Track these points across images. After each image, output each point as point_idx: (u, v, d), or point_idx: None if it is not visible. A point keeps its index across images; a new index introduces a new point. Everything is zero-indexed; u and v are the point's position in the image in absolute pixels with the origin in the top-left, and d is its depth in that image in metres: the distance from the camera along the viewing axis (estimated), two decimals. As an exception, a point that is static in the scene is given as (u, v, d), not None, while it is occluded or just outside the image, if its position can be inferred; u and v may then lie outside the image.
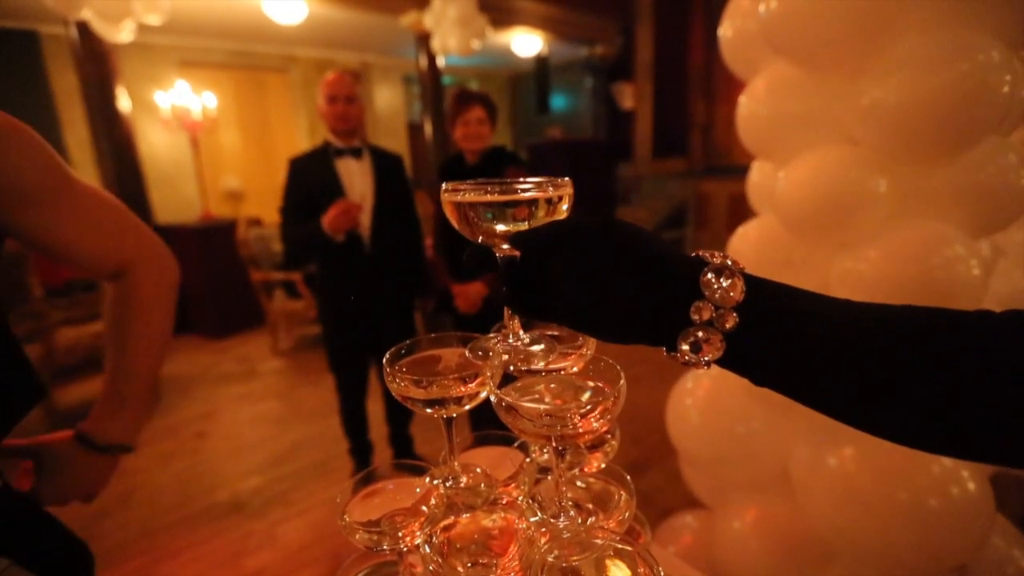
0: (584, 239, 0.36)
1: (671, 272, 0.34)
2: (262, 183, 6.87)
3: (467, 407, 0.48)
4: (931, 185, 0.85)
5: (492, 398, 0.41)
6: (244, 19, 5.48)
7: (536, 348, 0.45)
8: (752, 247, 1.09)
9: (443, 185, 0.43)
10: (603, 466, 0.55)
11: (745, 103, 0.96)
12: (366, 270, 2.06)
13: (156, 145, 6.07)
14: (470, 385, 0.47)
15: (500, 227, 0.41)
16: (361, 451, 2.41)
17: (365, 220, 2.05)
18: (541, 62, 7.23)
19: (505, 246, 0.42)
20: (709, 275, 0.33)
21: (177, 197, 6.23)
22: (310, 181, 2.04)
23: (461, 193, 0.41)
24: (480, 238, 0.43)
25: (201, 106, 5.52)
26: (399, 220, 2.16)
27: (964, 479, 0.83)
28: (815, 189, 0.89)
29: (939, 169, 0.83)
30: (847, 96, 0.81)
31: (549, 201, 0.40)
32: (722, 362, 0.34)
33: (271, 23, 5.17)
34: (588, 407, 0.38)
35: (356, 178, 2.06)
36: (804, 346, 0.32)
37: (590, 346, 0.47)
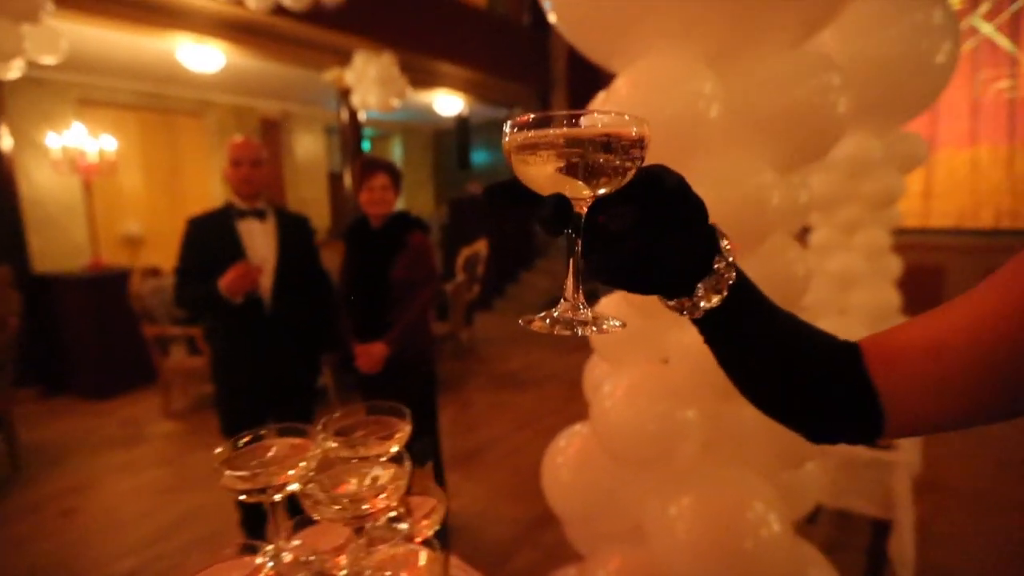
0: (684, 186, 0.40)
1: (709, 230, 0.42)
2: (167, 228, 6.49)
3: (288, 491, 0.53)
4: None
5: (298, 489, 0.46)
6: (155, 62, 5.33)
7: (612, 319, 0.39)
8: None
9: (510, 129, 0.36)
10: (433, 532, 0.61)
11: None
12: (265, 332, 2.03)
13: (42, 187, 5.60)
14: (290, 474, 0.52)
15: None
16: (252, 521, 2.28)
17: (266, 282, 2.03)
18: (462, 121, 7.56)
19: (588, 193, 0.36)
20: (724, 241, 0.42)
21: (65, 242, 5.73)
22: (209, 243, 2.01)
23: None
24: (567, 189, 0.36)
25: (98, 148, 5.22)
26: (304, 281, 2.16)
27: (771, 521, 0.97)
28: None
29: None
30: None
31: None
32: (705, 314, 0.43)
33: (185, 67, 5.08)
34: (379, 490, 0.45)
35: (258, 240, 2.06)
36: (755, 311, 0.44)
37: (404, 431, 0.54)
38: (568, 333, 0.38)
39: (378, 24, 5.83)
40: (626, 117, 0.35)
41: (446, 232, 7.47)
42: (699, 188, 0.98)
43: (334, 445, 0.52)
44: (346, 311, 2.25)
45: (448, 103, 7.40)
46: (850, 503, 1.57)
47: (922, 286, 4.97)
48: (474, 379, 4.67)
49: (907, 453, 1.54)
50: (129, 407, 4.25)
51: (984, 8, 5.63)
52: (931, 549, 2.36)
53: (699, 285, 0.41)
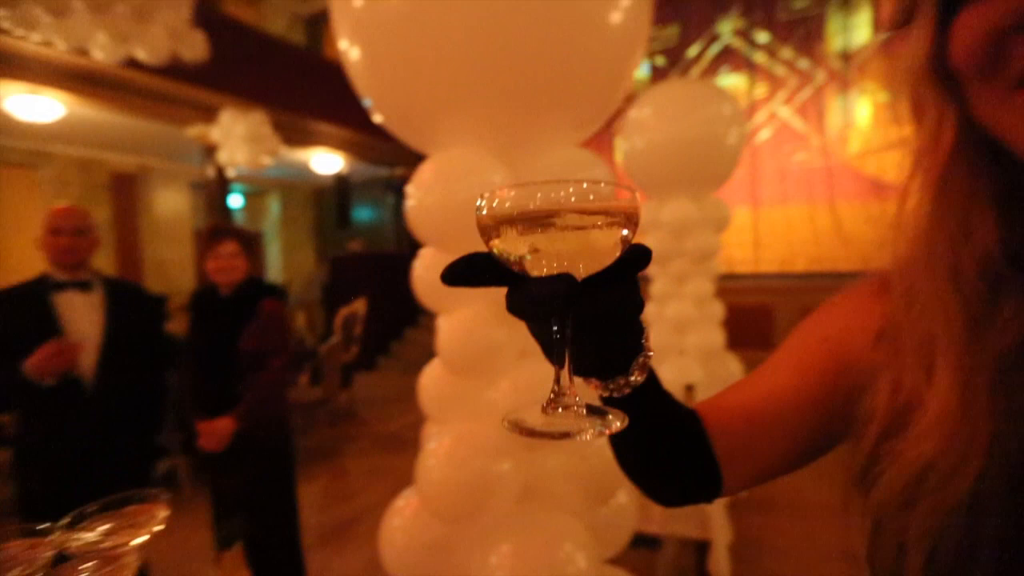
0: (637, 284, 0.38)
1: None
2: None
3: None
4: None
5: None
6: (-27, 111, 4.73)
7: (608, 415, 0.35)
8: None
9: (489, 201, 0.33)
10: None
11: (418, 260, 1.25)
12: (85, 418, 1.82)
13: None
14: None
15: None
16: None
17: (88, 360, 1.85)
18: (342, 180, 7.53)
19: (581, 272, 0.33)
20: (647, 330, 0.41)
21: None
22: (17, 319, 1.80)
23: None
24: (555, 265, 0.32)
25: None
26: (139, 357, 1.99)
27: (578, 559, 1.08)
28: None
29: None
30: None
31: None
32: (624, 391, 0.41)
33: (14, 117, 4.55)
34: None
35: (80, 314, 1.88)
36: (657, 387, 0.44)
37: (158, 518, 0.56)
38: (568, 438, 0.32)
39: (247, 82, 5.73)
40: (614, 189, 0.32)
41: (327, 292, 7.24)
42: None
43: (72, 541, 0.52)
44: (191, 386, 2.10)
45: (327, 161, 7.35)
46: (676, 528, 1.75)
47: (755, 322, 5.77)
48: (352, 444, 4.47)
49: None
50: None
51: (782, 96, 6.95)
52: (768, 561, 2.66)
53: (633, 362, 0.40)
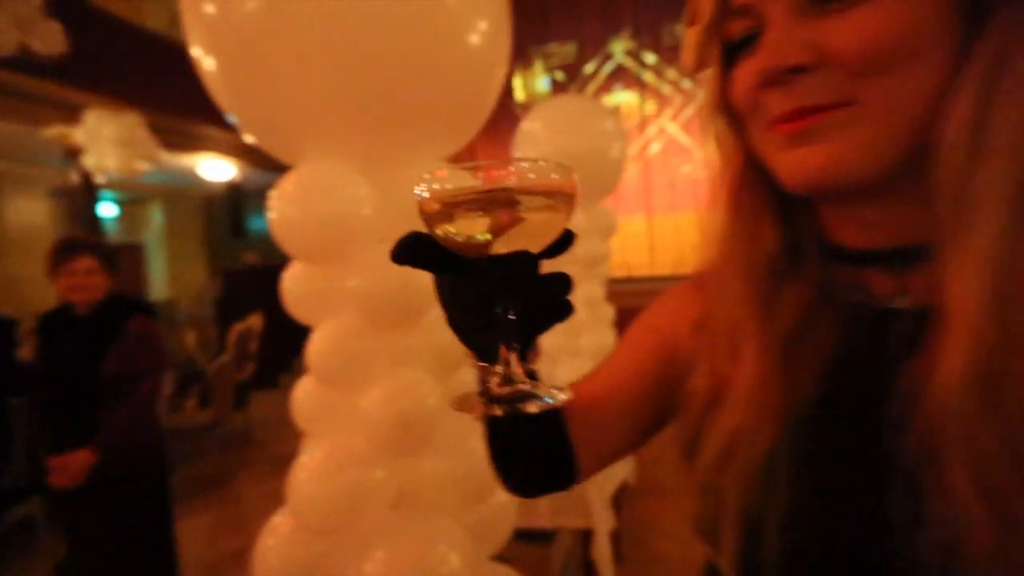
0: None
1: None
2: None
3: None
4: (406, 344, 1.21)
5: None
6: None
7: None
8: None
9: (428, 187, 0.32)
10: None
11: (287, 272, 1.23)
12: None
13: None
14: None
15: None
16: None
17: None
18: (234, 188, 7.07)
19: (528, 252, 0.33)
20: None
21: None
22: None
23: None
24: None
25: None
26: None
27: (451, 559, 1.12)
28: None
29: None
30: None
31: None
32: None
33: None
34: None
35: None
36: None
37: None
38: (512, 411, 0.33)
39: (119, 80, 5.24)
40: (554, 167, 0.32)
41: (219, 306, 6.74)
42: (362, 273, 1.12)
43: None
44: (40, 417, 1.88)
45: (217, 168, 6.87)
46: (563, 521, 1.85)
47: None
48: (247, 469, 4.19)
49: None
50: None
51: (669, 113, 7.54)
52: (658, 542, 2.85)
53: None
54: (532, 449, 0.50)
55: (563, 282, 0.38)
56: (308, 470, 1.13)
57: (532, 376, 0.38)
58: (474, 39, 1.16)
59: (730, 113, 0.41)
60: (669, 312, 0.55)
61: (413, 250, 0.35)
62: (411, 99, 1.12)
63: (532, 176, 0.31)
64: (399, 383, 1.15)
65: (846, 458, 0.37)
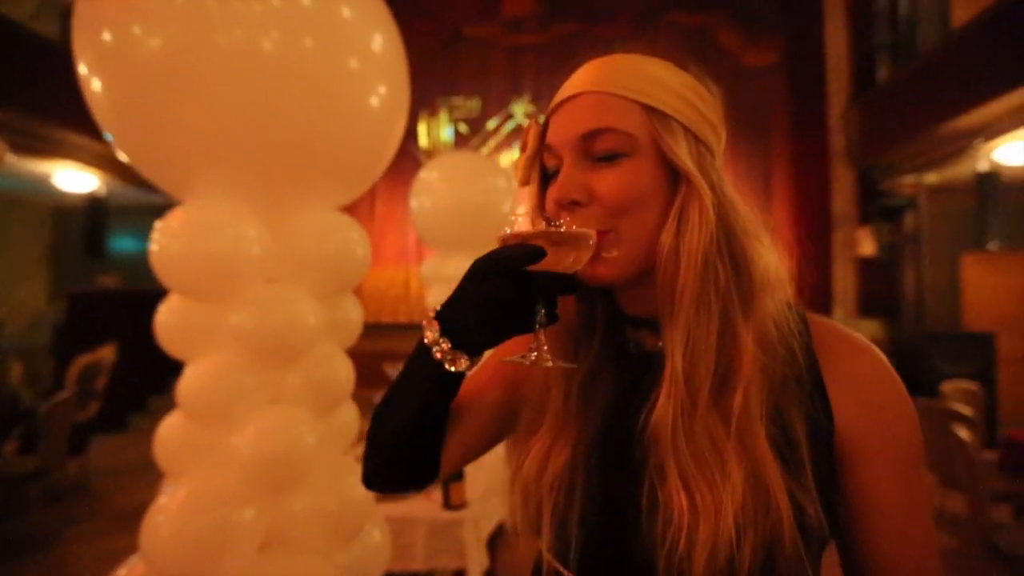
0: None
1: None
2: None
3: None
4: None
5: None
6: None
7: None
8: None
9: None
10: None
11: (163, 306, 1.22)
12: None
13: None
14: None
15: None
16: None
17: None
18: (95, 201, 6.34)
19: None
20: None
21: None
22: None
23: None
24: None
25: None
26: None
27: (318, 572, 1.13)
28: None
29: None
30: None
31: None
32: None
33: None
34: None
35: None
36: None
37: None
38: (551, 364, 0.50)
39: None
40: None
41: (60, 334, 5.87)
42: (247, 311, 1.15)
43: None
44: None
45: (75, 178, 6.13)
46: (438, 562, 1.88)
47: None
48: (80, 526, 3.62)
49: (475, 509, 1.97)
50: None
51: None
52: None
53: None
54: (427, 435, 0.56)
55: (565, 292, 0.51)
56: (166, 512, 1.09)
57: None
58: (374, 101, 1.28)
59: (547, 219, 0.57)
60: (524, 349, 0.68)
61: (530, 253, 0.46)
62: (309, 151, 1.20)
63: (575, 227, 0.49)
64: (276, 420, 1.17)
65: (617, 466, 0.52)
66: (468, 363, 0.50)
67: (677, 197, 0.49)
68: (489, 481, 2.32)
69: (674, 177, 0.50)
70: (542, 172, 0.56)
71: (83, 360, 4.43)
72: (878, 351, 0.51)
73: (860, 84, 6.27)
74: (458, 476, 1.96)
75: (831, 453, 0.48)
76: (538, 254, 0.45)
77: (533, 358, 0.50)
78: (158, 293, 1.21)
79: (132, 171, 1.26)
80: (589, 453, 0.53)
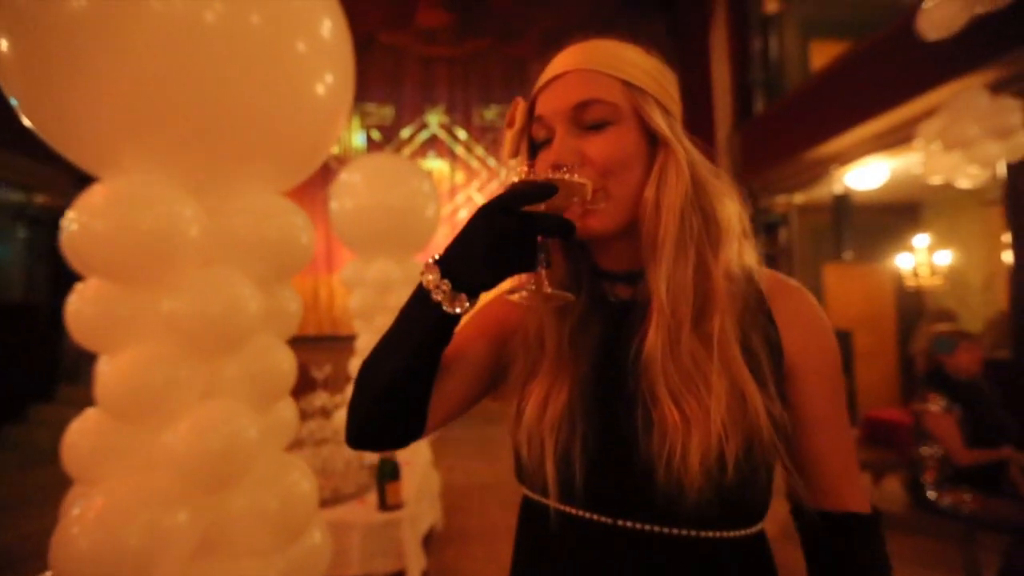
0: None
1: None
2: None
3: None
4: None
5: None
6: None
7: None
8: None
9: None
10: None
11: (76, 293, 1.10)
12: None
13: None
14: None
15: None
16: None
17: None
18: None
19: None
20: None
21: None
22: None
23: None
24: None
25: None
26: None
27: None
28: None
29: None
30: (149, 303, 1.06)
31: None
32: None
33: None
34: None
35: None
36: None
37: None
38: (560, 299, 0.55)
39: None
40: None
41: None
42: (183, 297, 1.07)
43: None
44: None
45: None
46: (375, 565, 1.82)
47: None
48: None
49: (410, 510, 1.94)
50: None
51: (476, 184, 8.29)
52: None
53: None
54: (421, 386, 0.58)
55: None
56: (82, 524, 0.97)
57: None
58: (319, 89, 1.26)
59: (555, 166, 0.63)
60: (510, 309, 0.71)
61: (543, 188, 0.51)
62: (248, 130, 1.15)
63: (576, 177, 0.53)
64: (212, 415, 1.09)
65: (612, 398, 0.58)
66: (468, 304, 0.52)
67: (657, 159, 0.58)
68: (421, 482, 2.29)
69: (653, 142, 0.59)
70: (530, 145, 0.62)
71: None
72: (809, 293, 0.62)
73: (740, 114, 7.08)
74: (395, 475, 1.92)
75: (781, 371, 0.57)
76: (549, 190, 0.50)
77: (534, 289, 0.54)
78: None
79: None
80: (585, 390, 0.59)
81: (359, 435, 0.60)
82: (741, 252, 0.60)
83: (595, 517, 0.56)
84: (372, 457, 2.21)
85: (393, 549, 1.86)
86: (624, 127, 0.57)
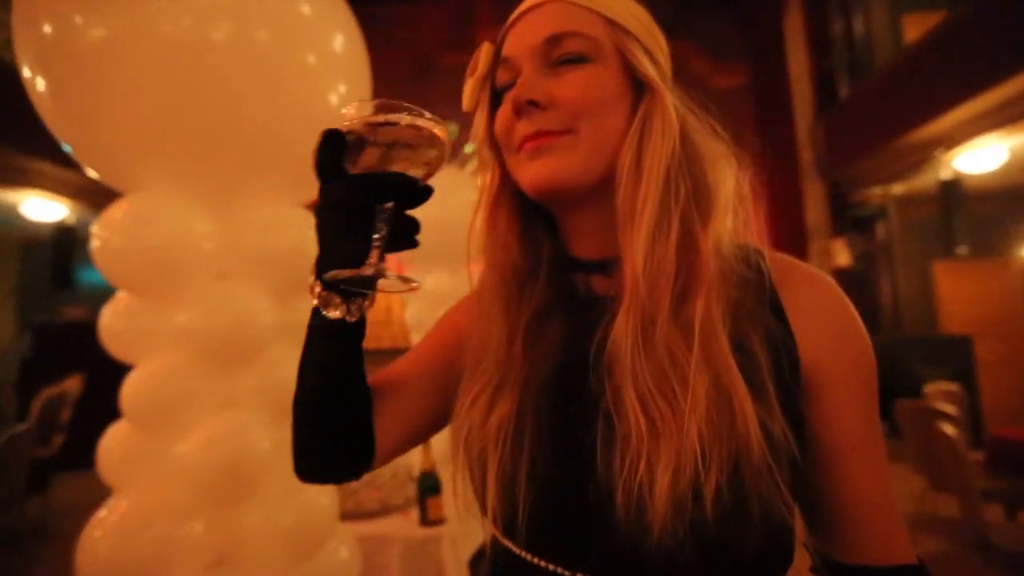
0: None
1: None
2: None
3: None
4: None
5: None
6: None
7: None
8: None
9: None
10: None
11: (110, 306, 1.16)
12: None
13: None
14: None
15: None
16: None
17: None
18: (64, 231, 6.19)
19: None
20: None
21: None
22: None
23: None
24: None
25: None
26: None
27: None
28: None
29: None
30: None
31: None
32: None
33: None
34: None
35: None
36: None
37: None
38: (377, 273, 0.43)
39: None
40: (435, 121, 0.45)
41: (26, 368, 5.65)
42: (195, 309, 1.09)
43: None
44: None
45: (43, 208, 6.00)
46: (411, 583, 1.78)
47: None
48: (38, 571, 3.40)
49: (453, 527, 1.88)
50: None
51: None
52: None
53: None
54: (345, 411, 0.52)
55: (418, 222, 0.49)
56: (104, 528, 1.01)
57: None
58: (333, 99, 1.26)
59: (494, 144, 0.53)
60: (463, 305, 0.64)
61: (332, 141, 0.44)
62: (260, 144, 1.16)
63: (418, 120, 0.44)
64: (226, 426, 1.10)
65: (570, 408, 0.47)
66: (344, 306, 0.47)
67: (640, 108, 0.47)
68: (467, 498, 2.22)
69: (637, 89, 0.48)
70: (492, 96, 0.53)
71: (47, 392, 4.24)
72: (834, 282, 0.49)
73: (823, 102, 6.48)
74: (435, 490, 1.87)
75: (797, 383, 0.44)
76: (334, 139, 0.43)
77: (366, 272, 0.43)
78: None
79: (101, 199, 1.21)
80: (538, 395, 0.48)
81: (303, 468, 0.55)
82: (741, 228, 0.48)
83: (539, 562, 0.45)
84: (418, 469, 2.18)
85: (433, 567, 1.81)
86: (603, 66, 0.47)
